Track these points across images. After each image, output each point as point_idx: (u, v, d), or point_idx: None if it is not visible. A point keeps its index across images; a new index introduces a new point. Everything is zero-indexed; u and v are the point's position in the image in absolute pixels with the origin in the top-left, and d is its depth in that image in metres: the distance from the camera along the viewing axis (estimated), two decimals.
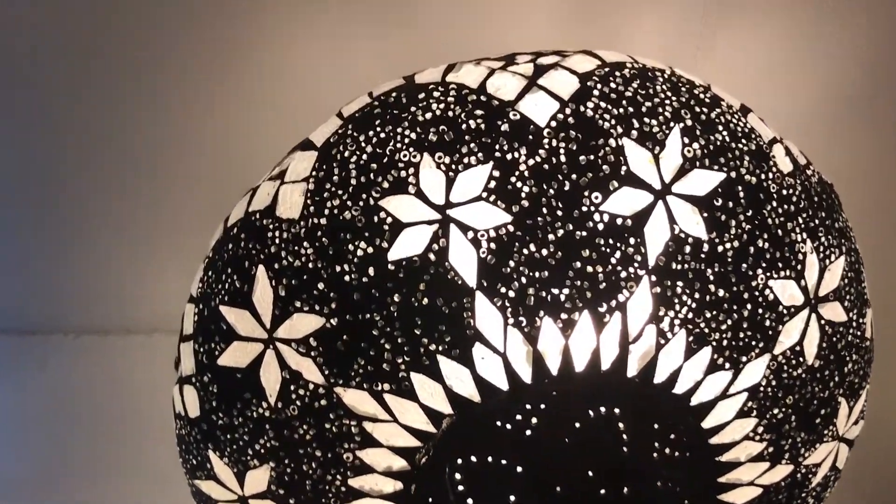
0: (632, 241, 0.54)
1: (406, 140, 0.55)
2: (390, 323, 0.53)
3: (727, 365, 0.56)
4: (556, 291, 0.53)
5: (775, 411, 0.59)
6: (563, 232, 0.54)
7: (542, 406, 0.57)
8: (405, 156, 0.55)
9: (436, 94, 0.57)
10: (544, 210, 0.54)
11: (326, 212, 0.55)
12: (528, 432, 0.56)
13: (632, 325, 0.54)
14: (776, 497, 0.63)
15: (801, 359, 0.59)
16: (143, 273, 0.96)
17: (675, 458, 0.58)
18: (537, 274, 0.53)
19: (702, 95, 0.60)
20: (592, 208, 0.54)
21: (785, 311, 0.57)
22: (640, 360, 0.55)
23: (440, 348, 0.53)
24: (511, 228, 0.53)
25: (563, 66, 0.59)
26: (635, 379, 0.55)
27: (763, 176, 0.59)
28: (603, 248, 0.54)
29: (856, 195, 0.76)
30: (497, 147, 0.55)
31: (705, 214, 0.56)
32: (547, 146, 0.55)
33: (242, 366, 0.56)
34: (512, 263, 0.53)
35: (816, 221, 0.60)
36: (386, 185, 0.54)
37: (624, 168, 0.55)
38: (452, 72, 0.59)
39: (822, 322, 0.60)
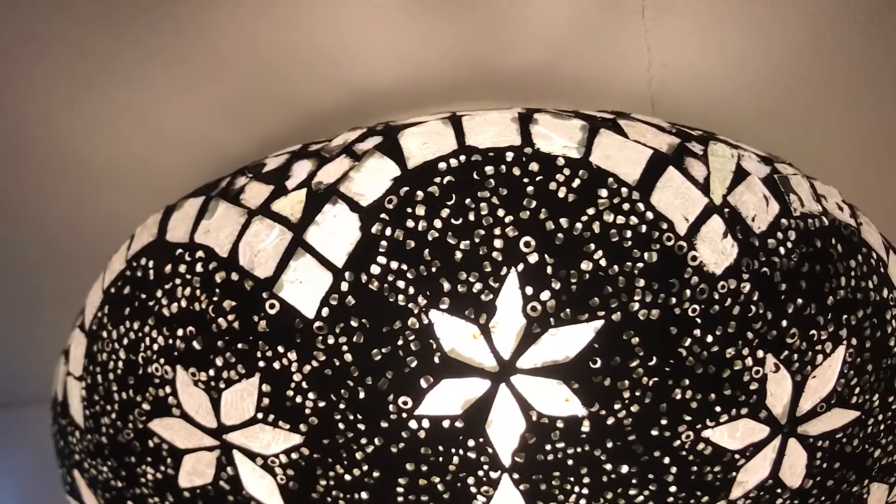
0: (471, 442, 0.40)
1: (155, 346, 0.42)
2: None
3: None
4: None
5: None
6: (374, 448, 0.40)
7: None
8: (157, 370, 0.42)
9: (182, 267, 0.41)
10: (341, 426, 0.40)
11: (104, 429, 0.45)
12: None
13: None
14: None
15: (778, 490, 0.44)
16: None
17: None
18: (355, 496, 0.41)
19: (562, 192, 0.38)
20: (405, 415, 0.39)
21: (739, 455, 0.41)
22: None
23: None
24: (306, 451, 0.41)
25: (342, 192, 0.39)
26: None
27: (671, 301, 0.38)
28: (433, 458, 0.40)
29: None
30: (258, 355, 0.40)
31: (576, 384, 0.39)
32: (322, 345, 0.39)
33: None
34: (321, 489, 0.41)
35: (784, 323, 0.40)
36: (147, 406, 0.42)
37: (438, 355, 0.38)
38: (206, 217, 0.41)
39: (811, 440, 0.43)
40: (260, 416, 0.40)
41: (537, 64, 0.49)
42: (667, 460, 0.41)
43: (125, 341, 0.42)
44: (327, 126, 0.51)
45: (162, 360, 0.41)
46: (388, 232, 0.38)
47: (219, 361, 0.40)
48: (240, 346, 0.39)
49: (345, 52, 0.49)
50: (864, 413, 0.44)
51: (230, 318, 0.39)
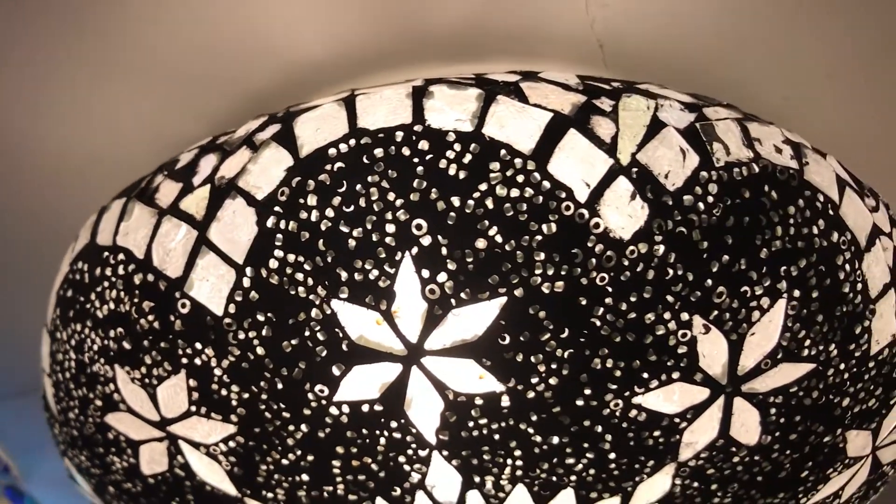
0: (393, 424, 0.40)
1: (95, 347, 0.43)
2: None
3: (606, 495, 0.43)
4: (327, 494, 0.43)
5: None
6: (303, 434, 0.41)
7: None
8: (100, 369, 0.43)
9: (108, 270, 0.42)
10: (267, 415, 0.41)
11: (72, 424, 0.47)
12: None
13: (446, 499, 0.43)
14: None
15: (733, 448, 0.42)
16: None
17: None
18: (296, 479, 0.43)
19: (452, 169, 0.37)
20: (324, 402, 0.40)
21: (679, 418, 0.40)
22: None
23: None
24: (242, 440, 0.42)
25: (240, 187, 0.39)
26: None
27: (575, 271, 0.37)
28: (360, 441, 0.41)
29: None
30: (180, 352, 0.41)
31: (488, 362, 0.38)
32: (235, 341, 0.40)
33: None
34: (263, 473, 0.43)
35: (709, 282, 0.38)
36: (99, 402, 0.45)
37: (346, 343, 0.39)
38: (125, 219, 0.42)
39: (760, 397, 0.41)
40: (193, 409, 0.41)
41: (468, 19, 0.47)
42: (599, 429, 0.40)
43: (73, 342, 0.44)
44: (270, 103, 0.51)
45: (102, 360, 0.43)
46: (282, 225, 0.38)
47: (148, 360, 0.41)
48: (162, 344, 0.40)
49: (274, 26, 0.48)
50: (821, 364, 0.42)
51: (150, 318, 0.40)
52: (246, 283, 0.38)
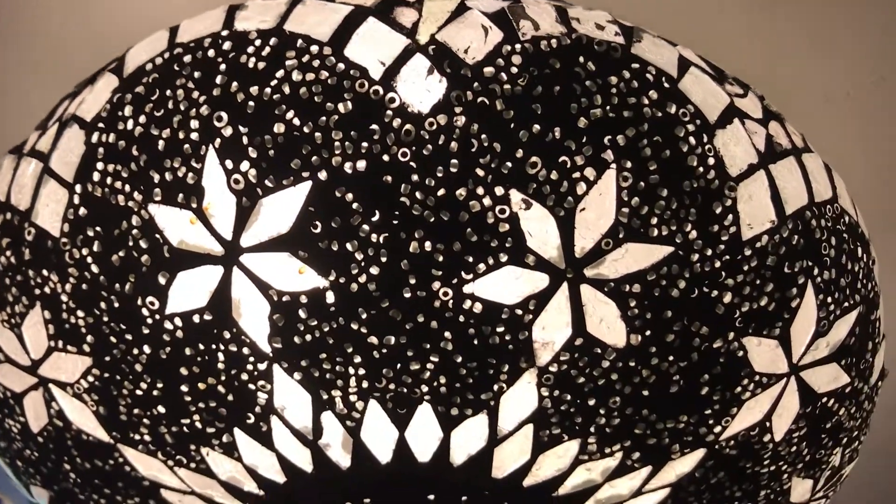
0: (226, 334, 0.39)
1: None
2: None
3: (469, 411, 0.40)
4: (187, 429, 0.42)
5: None
6: (147, 357, 0.41)
7: None
8: None
9: None
10: (113, 339, 0.41)
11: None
12: None
13: (302, 424, 0.41)
14: None
15: (597, 350, 0.39)
16: None
17: None
18: (154, 412, 0.42)
19: (251, 63, 0.38)
20: (158, 317, 0.40)
21: (520, 310, 0.38)
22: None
23: None
24: (97, 372, 0.42)
25: (77, 115, 0.41)
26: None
27: (375, 148, 0.37)
28: (200, 358, 0.40)
29: None
30: (32, 283, 0.42)
31: (304, 253, 0.38)
32: (71, 261, 0.40)
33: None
34: (124, 409, 0.43)
35: (520, 153, 0.37)
36: None
37: (167, 248, 0.39)
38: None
39: (612, 284, 0.38)
40: (52, 343, 0.42)
41: None
42: (435, 324, 0.38)
43: None
44: None
45: None
46: (104, 138, 0.39)
47: (10, 298, 0.43)
48: (18, 277, 0.42)
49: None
50: (680, 248, 0.39)
51: (7, 254, 0.42)
52: (76, 200, 0.40)
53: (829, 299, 0.43)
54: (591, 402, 0.40)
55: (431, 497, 0.43)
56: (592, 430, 0.41)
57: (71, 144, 0.40)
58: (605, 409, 0.40)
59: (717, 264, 0.39)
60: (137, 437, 0.43)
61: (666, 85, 0.39)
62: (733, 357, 0.41)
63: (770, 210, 0.40)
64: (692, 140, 0.39)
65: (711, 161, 0.39)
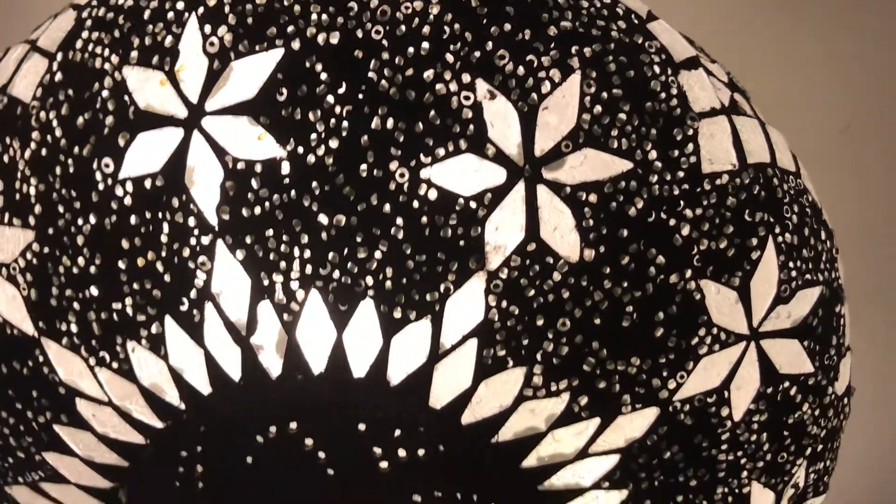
0: (175, 202, 0.38)
1: None
2: None
3: (412, 313, 0.38)
4: (116, 316, 0.40)
5: None
6: (91, 227, 0.40)
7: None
8: None
9: None
10: (61, 208, 0.40)
11: None
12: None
13: (237, 316, 0.39)
14: None
15: (549, 259, 0.38)
16: None
17: None
18: (86, 294, 0.40)
19: None
20: (110, 181, 0.39)
21: (475, 203, 0.37)
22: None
23: None
24: (37, 247, 0.41)
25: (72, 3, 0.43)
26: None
27: (350, 23, 0.38)
28: (144, 228, 0.39)
29: None
30: None
31: (266, 120, 0.38)
32: (36, 124, 0.40)
33: None
34: (56, 291, 0.41)
35: (490, 45, 0.38)
36: None
37: (132, 109, 0.39)
38: None
39: (568, 190, 0.38)
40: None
41: None
42: (388, 208, 0.38)
43: None
44: None
45: None
46: (94, 13, 0.41)
47: None
48: None
49: None
50: (639, 166, 0.39)
51: None
52: (54, 66, 0.41)
53: (791, 264, 0.42)
54: (540, 322, 0.39)
55: (362, 427, 0.41)
56: (539, 357, 0.39)
57: (60, 22, 0.42)
58: (554, 333, 0.39)
59: (676, 192, 0.39)
60: (64, 326, 0.41)
61: (635, 21, 0.41)
62: (690, 299, 0.40)
63: (731, 154, 0.41)
64: (657, 69, 0.40)
65: (675, 91, 0.40)
